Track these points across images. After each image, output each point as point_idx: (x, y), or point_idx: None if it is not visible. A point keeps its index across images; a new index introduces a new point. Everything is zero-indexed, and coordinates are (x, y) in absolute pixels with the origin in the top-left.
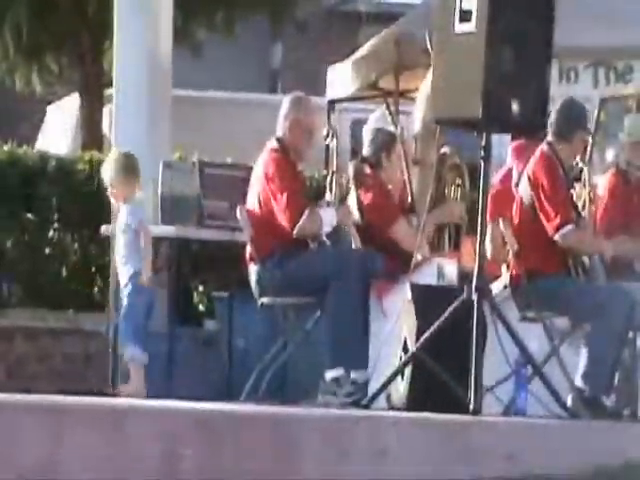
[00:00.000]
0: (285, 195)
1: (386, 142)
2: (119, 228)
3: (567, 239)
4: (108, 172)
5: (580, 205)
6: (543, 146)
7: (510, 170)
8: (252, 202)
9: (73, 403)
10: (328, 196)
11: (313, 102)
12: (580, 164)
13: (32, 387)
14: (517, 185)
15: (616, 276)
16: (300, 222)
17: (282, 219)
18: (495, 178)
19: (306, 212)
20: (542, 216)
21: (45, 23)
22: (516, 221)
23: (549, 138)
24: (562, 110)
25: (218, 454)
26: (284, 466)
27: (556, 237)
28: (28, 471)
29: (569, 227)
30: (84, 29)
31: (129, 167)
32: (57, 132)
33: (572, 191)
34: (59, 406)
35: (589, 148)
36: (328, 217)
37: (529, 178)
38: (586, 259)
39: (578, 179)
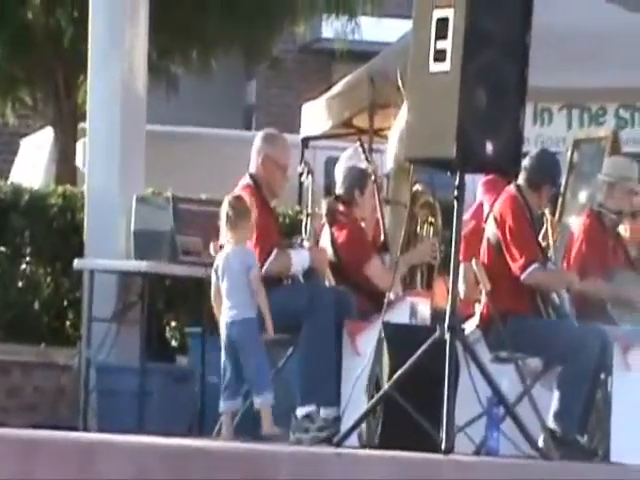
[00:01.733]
0: (256, 232)
1: (359, 179)
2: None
3: (533, 278)
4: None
5: (545, 246)
6: (511, 188)
7: (481, 205)
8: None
9: (44, 437)
10: (303, 235)
11: (285, 139)
12: (542, 209)
13: (2, 421)
14: (487, 221)
15: (587, 316)
16: (268, 261)
17: None
18: (466, 214)
19: (274, 252)
20: (508, 256)
21: (19, 56)
22: (485, 261)
23: (519, 181)
24: (535, 159)
25: None
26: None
27: (522, 277)
28: None
29: (534, 266)
30: (58, 63)
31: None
32: (30, 165)
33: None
34: (30, 440)
35: (562, 190)
36: (301, 258)
37: (495, 219)
38: (555, 297)
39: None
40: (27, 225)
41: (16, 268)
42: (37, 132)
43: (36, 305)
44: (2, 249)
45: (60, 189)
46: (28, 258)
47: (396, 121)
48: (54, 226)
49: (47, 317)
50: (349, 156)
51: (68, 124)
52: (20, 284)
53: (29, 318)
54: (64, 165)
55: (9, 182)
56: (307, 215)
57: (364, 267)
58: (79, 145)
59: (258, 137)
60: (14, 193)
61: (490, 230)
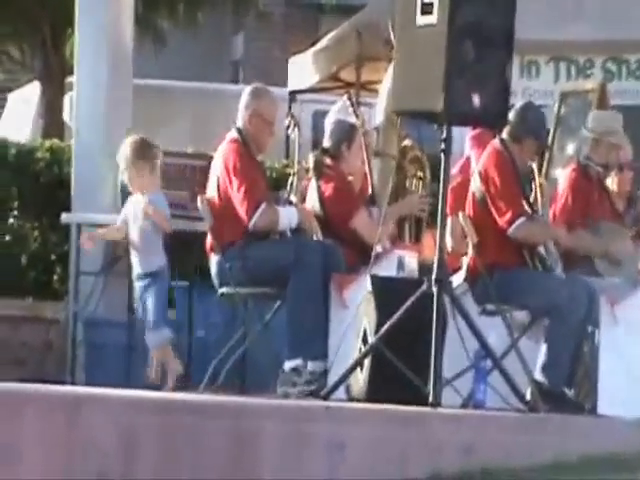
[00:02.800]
0: (243, 187)
1: (347, 133)
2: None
3: (520, 232)
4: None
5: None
6: (495, 142)
7: (468, 159)
8: (212, 192)
9: (31, 391)
10: (289, 189)
11: (273, 93)
12: (529, 163)
13: None
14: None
15: (574, 269)
16: (256, 215)
17: (240, 210)
18: (454, 169)
19: (262, 205)
20: (494, 210)
21: (6, 10)
22: (471, 214)
23: (503, 135)
24: (519, 113)
25: (177, 443)
26: (242, 456)
27: (509, 231)
28: None
29: (521, 220)
30: (45, 16)
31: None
32: (18, 120)
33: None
34: (17, 394)
35: (549, 143)
36: (288, 215)
37: (480, 174)
38: (542, 250)
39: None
40: (14, 179)
41: (3, 222)
42: (24, 86)
43: (23, 259)
44: None
45: (47, 143)
46: (15, 212)
47: (386, 75)
48: (41, 180)
49: (34, 271)
50: (338, 109)
51: (55, 78)
52: (7, 238)
53: (16, 272)
54: (51, 119)
55: None
56: (293, 168)
57: (351, 220)
58: (66, 99)
59: (245, 91)
60: (1, 147)
61: (475, 185)
